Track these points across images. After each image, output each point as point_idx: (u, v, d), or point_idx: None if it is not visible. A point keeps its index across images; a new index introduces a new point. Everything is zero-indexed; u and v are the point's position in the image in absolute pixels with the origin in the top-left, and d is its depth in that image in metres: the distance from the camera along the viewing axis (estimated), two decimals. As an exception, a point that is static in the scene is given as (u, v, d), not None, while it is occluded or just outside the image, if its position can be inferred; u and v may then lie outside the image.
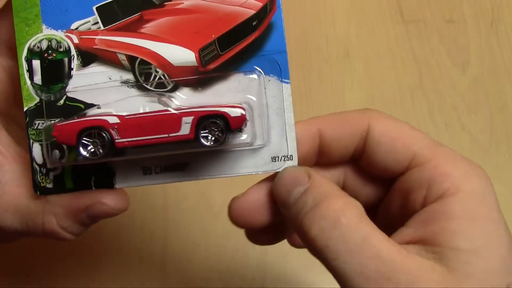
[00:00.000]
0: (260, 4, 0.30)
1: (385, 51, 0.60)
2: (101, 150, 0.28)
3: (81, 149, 0.28)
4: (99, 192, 0.30)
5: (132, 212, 0.50)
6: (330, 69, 0.59)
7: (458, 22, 0.62)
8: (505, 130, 0.56)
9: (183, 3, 0.30)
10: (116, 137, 0.28)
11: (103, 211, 0.30)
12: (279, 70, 0.31)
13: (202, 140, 0.28)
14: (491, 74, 0.59)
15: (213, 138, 0.28)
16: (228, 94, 0.30)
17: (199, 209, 0.51)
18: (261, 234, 0.33)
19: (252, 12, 0.30)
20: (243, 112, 0.29)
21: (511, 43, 0.61)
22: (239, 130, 0.29)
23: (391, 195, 0.30)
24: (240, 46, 0.30)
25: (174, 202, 0.50)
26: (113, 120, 0.28)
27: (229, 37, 0.30)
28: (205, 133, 0.28)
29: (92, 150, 0.29)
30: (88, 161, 0.29)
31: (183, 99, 0.30)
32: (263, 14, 0.31)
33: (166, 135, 0.28)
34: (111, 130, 0.28)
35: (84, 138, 0.28)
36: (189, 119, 0.28)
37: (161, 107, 0.29)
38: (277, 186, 0.29)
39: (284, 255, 0.51)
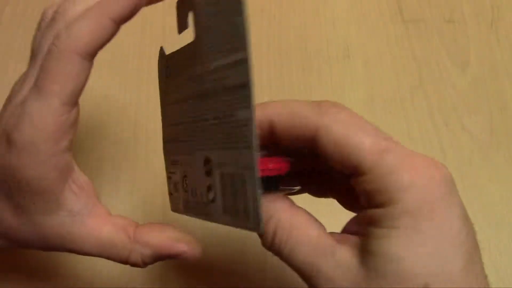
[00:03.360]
0: None
1: (385, 51, 0.60)
2: None
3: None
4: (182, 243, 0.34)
5: (131, 211, 0.50)
6: (330, 69, 0.59)
7: (458, 22, 0.62)
8: (505, 130, 0.56)
9: None
10: None
11: (183, 258, 0.34)
12: None
13: None
14: (491, 74, 0.59)
15: None
16: None
17: (199, 209, 0.51)
18: None
19: None
20: None
21: (511, 43, 0.61)
22: None
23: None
24: None
25: (174, 202, 0.50)
26: None
27: None
28: None
29: None
30: None
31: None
32: None
33: None
34: None
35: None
36: None
37: None
38: None
39: (284, 255, 0.50)
